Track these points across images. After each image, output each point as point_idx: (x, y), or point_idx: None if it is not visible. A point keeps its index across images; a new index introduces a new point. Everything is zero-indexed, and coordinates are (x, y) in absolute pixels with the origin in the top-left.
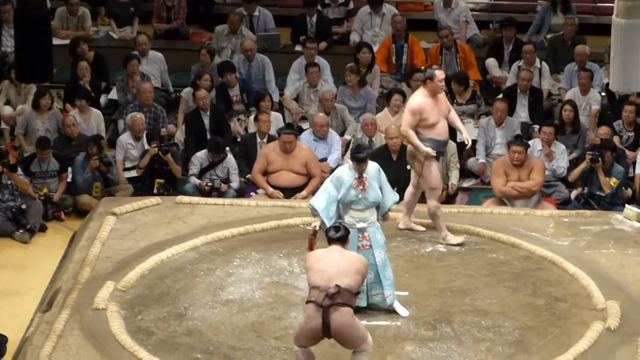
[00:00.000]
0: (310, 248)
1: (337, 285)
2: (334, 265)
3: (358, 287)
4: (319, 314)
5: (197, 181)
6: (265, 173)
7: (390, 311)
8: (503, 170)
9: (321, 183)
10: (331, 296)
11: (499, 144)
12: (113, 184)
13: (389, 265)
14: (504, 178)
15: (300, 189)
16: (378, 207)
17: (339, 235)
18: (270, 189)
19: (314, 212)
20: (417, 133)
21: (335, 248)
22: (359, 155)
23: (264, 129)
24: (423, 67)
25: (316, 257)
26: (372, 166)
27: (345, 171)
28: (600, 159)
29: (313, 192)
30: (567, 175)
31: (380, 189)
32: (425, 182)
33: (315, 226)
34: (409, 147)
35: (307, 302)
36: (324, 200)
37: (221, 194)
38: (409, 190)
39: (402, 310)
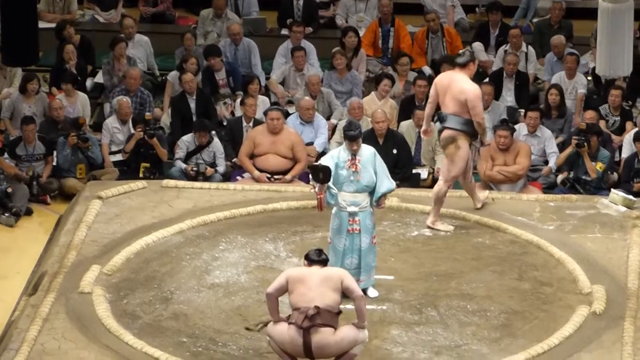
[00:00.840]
0: (321, 208)
1: (316, 307)
2: (314, 286)
3: (338, 307)
4: (300, 336)
5: (183, 165)
6: (252, 157)
7: (376, 295)
8: (489, 155)
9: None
10: (310, 317)
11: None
12: (97, 166)
13: (374, 252)
14: (489, 162)
15: (286, 172)
16: (372, 192)
17: (321, 259)
18: (257, 172)
19: (320, 170)
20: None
21: (316, 268)
22: (350, 133)
23: (250, 113)
24: (461, 51)
25: (297, 277)
26: (368, 150)
27: (340, 151)
28: (586, 144)
29: (299, 177)
30: None
31: (376, 174)
32: (452, 167)
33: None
34: (450, 131)
35: (289, 324)
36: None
37: (207, 178)
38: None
39: (373, 292)
